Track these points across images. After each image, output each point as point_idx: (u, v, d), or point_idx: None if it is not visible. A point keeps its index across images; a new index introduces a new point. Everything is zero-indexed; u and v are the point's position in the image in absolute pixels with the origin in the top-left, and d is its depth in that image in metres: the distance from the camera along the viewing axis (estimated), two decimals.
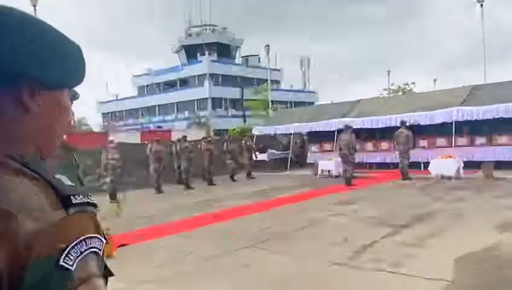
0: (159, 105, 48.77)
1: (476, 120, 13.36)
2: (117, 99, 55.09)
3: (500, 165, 13.03)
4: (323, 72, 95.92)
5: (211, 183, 14.94)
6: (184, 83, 48.04)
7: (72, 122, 0.81)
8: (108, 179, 11.63)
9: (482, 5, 21.29)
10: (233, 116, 42.13)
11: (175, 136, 20.64)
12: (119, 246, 6.25)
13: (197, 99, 44.88)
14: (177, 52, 50.95)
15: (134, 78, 53.56)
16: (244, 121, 35.92)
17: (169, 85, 49.33)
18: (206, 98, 44.14)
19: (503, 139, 14.03)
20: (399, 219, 7.53)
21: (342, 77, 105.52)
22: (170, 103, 47.38)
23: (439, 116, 13.87)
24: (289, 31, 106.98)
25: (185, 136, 15.46)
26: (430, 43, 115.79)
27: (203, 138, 17.46)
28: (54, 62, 0.69)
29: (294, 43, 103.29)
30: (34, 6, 19.23)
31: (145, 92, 52.10)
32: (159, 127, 38.17)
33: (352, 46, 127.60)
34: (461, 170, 12.57)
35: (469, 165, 13.17)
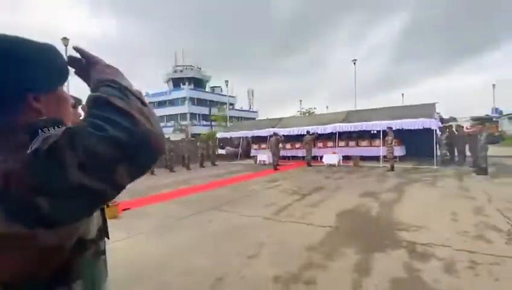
0: None
1: (349, 131, 14.99)
2: None
3: (362, 158, 14.68)
4: (262, 98, 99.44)
5: (188, 168, 14.99)
6: (171, 102, 50.49)
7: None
8: None
9: (355, 63, 23.82)
10: (204, 125, 44.81)
11: None
12: (123, 210, 6.12)
13: (180, 114, 47.77)
14: (166, 82, 53.56)
15: None
16: (211, 128, 37.35)
17: (161, 104, 51.32)
18: (186, 113, 47.16)
19: (364, 142, 15.67)
20: (304, 190, 7.87)
21: (273, 103, 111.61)
22: (161, 116, 49.14)
23: (329, 129, 15.16)
24: (242, 71, 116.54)
25: (169, 137, 15.87)
26: (325, 84, 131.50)
27: (183, 138, 17.79)
28: (36, 72, 0.60)
29: (245, 78, 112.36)
30: (66, 46, 14.94)
31: None
32: None
33: (277, 85, 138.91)
34: (341, 161, 14.17)
35: (345, 158, 14.71)
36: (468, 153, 12.57)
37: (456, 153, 13.11)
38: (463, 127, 13.95)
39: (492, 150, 11.13)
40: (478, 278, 2.90)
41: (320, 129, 15.41)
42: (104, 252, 0.71)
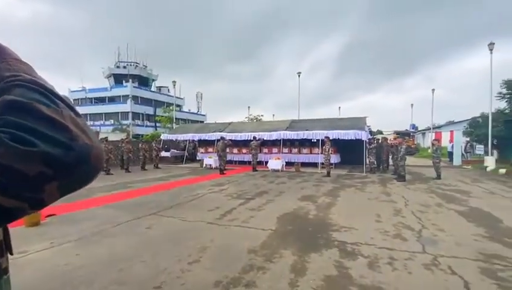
0: (89, 114, 45.09)
1: (293, 139, 15.79)
2: None
3: (303, 164, 15.71)
4: (210, 101, 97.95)
5: (127, 170, 13.96)
6: (111, 99, 45.79)
7: None
8: None
9: (299, 76, 25.26)
10: (148, 126, 42.04)
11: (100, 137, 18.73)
12: (47, 216, 5.46)
13: (121, 112, 43.69)
14: (107, 78, 48.68)
15: (71, 92, 47.64)
16: (155, 129, 35.14)
17: (99, 100, 46.43)
18: (128, 112, 43.17)
19: (305, 150, 16.65)
20: (249, 194, 8.00)
21: (222, 107, 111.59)
22: (99, 113, 44.87)
23: (274, 135, 15.80)
24: (191, 73, 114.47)
25: (106, 138, 14.36)
26: (272, 93, 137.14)
27: (123, 139, 16.22)
28: None
29: (194, 81, 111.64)
30: None
31: (79, 103, 46.72)
32: None
33: (226, 89, 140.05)
34: (284, 166, 14.82)
35: (288, 163, 15.47)
36: (390, 162, 14.22)
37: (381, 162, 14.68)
38: (387, 139, 15.76)
39: (409, 160, 12.74)
40: (395, 272, 3.25)
41: (266, 136, 15.93)
42: (6, 271, 0.60)
